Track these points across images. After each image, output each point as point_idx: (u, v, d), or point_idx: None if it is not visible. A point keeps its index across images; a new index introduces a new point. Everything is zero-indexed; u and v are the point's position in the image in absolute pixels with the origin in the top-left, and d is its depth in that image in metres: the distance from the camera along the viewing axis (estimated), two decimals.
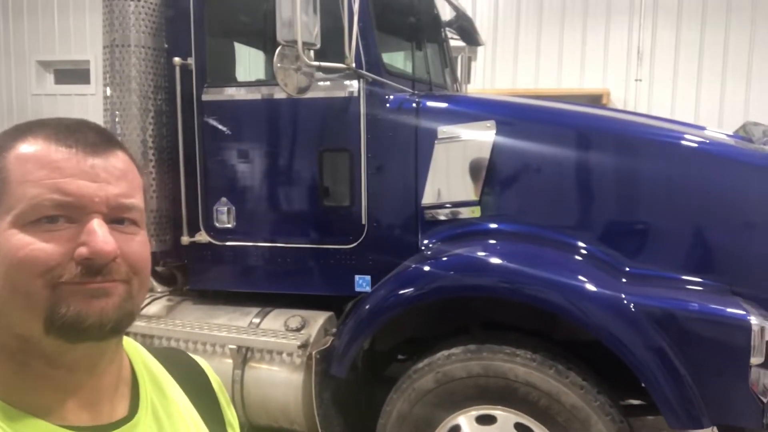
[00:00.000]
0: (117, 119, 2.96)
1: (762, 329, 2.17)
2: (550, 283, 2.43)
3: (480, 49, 5.99)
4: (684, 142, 2.67)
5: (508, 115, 2.86)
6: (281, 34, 2.44)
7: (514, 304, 2.58)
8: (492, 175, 2.74)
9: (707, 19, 6.70)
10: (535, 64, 6.92)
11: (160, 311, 3.19)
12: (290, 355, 2.81)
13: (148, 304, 3.26)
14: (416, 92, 2.94)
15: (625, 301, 2.31)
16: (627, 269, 2.52)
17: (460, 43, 4.43)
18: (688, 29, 6.74)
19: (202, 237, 3.10)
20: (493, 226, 2.77)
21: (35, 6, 7.98)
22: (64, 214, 0.67)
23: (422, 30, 3.50)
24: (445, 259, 2.68)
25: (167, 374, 0.87)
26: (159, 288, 3.26)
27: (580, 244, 2.62)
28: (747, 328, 2.16)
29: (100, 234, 0.67)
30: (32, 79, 8.04)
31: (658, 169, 2.61)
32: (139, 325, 3.09)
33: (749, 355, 2.15)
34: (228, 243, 3.09)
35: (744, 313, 2.21)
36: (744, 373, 2.17)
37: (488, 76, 6.82)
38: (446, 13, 4.15)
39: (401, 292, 2.64)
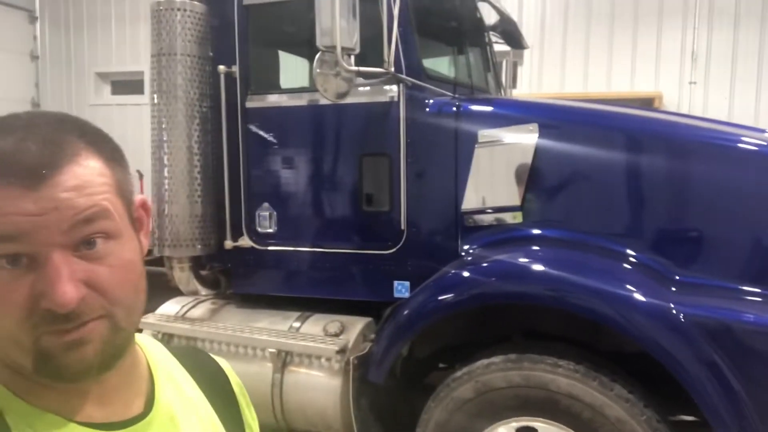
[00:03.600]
0: (163, 126, 3.04)
1: None
2: (595, 291, 2.35)
3: (527, 52, 5.90)
4: (741, 145, 2.54)
5: (551, 117, 2.79)
6: (321, 40, 2.46)
7: (557, 313, 2.51)
8: (535, 179, 2.68)
9: (766, 17, 6.40)
10: (584, 67, 6.76)
11: (204, 314, 3.25)
12: (329, 360, 2.81)
13: (193, 307, 3.33)
14: (456, 96, 2.90)
15: (674, 311, 2.21)
16: (677, 278, 2.41)
17: (506, 47, 4.37)
18: (746, 29, 6.45)
19: (245, 241, 3.14)
20: (536, 232, 2.70)
21: (94, 19, 8.34)
22: (19, 251, 0.62)
23: (464, 34, 3.47)
24: (485, 265, 2.63)
25: (186, 373, 0.86)
26: (204, 291, 3.31)
27: (627, 251, 2.52)
28: None
29: (57, 282, 0.61)
30: (91, 90, 8.40)
31: (712, 172, 2.49)
32: (182, 327, 3.16)
33: None
34: (270, 248, 3.12)
35: None
36: None
37: (535, 80, 6.70)
38: (490, 17, 4.10)
39: (440, 297, 2.60)
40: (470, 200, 2.76)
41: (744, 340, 2.12)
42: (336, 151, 3.04)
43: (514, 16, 4.33)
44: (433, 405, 2.57)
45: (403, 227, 2.86)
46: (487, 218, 2.75)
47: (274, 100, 3.14)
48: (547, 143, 2.67)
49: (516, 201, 2.70)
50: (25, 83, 7.49)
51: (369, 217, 2.95)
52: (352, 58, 2.55)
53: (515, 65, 4.87)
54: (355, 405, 2.72)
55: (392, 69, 2.62)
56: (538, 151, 2.66)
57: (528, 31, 6.26)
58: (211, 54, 3.12)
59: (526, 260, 2.60)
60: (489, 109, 2.89)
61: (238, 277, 3.26)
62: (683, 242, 2.50)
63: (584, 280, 2.41)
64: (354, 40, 2.51)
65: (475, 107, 2.86)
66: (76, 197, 0.63)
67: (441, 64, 3.44)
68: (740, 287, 2.36)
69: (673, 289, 2.35)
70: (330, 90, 2.56)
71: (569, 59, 6.81)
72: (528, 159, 2.67)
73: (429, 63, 3.18)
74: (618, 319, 2.29)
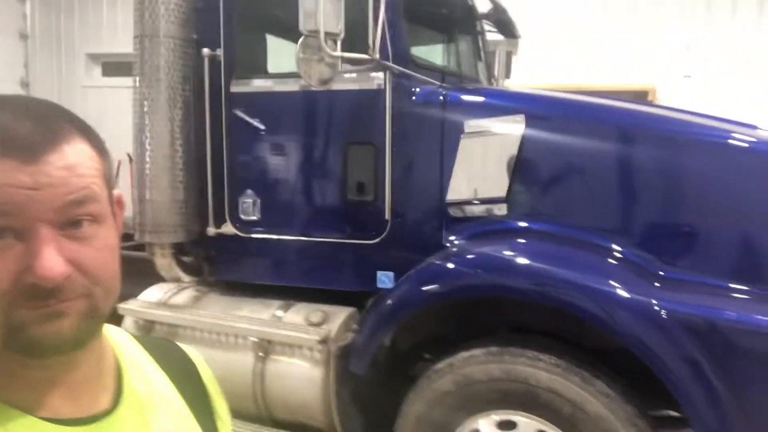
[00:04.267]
0: (145, 110, 2.98)
1: None
2: (576, 285, 2.32)
3: (521, 43, 5.83)
4: (731, 141, 2.51)
5: (539, 108, 2.75)
6: (304, 24, 2.40)
7: (542, 307, 2.48)
8: (521, 171, 2.64)
9: (763, 9, 6.34)
10: (577, 59, 6.67)
11: (186, 301, 3.21)
12: (310, 349, 2.78)
13: (176, 293, 3.29)
14: (444, 85, 2.85)
15: (656, 307, 2.18)
16: (661, 273, 2.38)
17: (499, 37, 4.30)
18: (742, 21, 6.39)
19: (228, 228, 3.10)
20: (521, 224, 2.67)
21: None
22: (7, 225, 0.61)
23: (454, 21, 3.41)
24: (469, 257, 2.59)
25: (154, 364, 0.84)
26: (186, 278, 3.27)
27: (612, 245, 2.49)
28: None
29: (44, 255, 0.61)
30: (81, 72, 8.28)
31: (701, 168, 2.46)
32: (164, 314, 3.12)
33: None
34: (253, 235, 3.08)
35: None
36: None
37: (528, 70, 6.62)
38: (483, 5, 4.03)
39: (423, 288, 2.58)
40: (455, 191, 2.72)
41: (726, 338, 2.10)
42: (321, 139, 2.99)
43: (512, 6, 4.26)
44: (414, 397, 2.55)
45: (387, 217, 2.82)
46: (472, 209, 2.71)
47: (259, 84, 3.08)
48: (534, 134, 2.63)
49: (501, 193, 2.66)
50: (15, 63, 7.37)
51: (353, 206, 2.91)
52: (338, 43, 2.49)
53: (509, 55, 4.79)
54: (337, 396, 2.70)
55: (377, 55, 2.56)
56: (524, 143, 2.62)
57: (523, 21, 6.19)
58: (195, 37, 3.05)
59: (510, 253, 2.57)
60: (476, 98, 2.84)
61: (221, 265, 3.22)
62: (669, 238, 2.47)
63: (566, 274, 2.38)
64: (339, 25, 2.45)
65: (462, 96, 2.81)
66: (69, 176, 0.64)
67: (430, 52, 3.39)
68: (726, 284, 2.33)
69: (657, 284, 2.33)
70: (313, 76, 2.51)
71: (563, 50, 6.73)
72: (514, 150, 2.62)
73: (418, 51, 3.12)
74: (598, 314, 2.26)
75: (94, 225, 0.67)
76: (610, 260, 2.46)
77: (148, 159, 2.99)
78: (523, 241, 2.63)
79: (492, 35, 4.19)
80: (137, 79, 3.01)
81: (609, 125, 2.66)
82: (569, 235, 2.58)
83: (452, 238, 2.75)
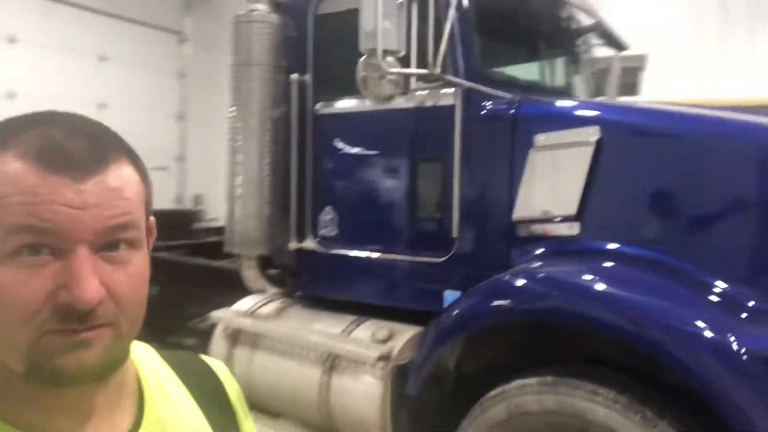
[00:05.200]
0: (238, 132, 3.24)
1: None
2: (648, 320, 2.05)
3: (653, 56, 5.40)
4: None
5: (616, 118, 2.54)
6: (364, 44, 2.46)
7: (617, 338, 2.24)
8: (594, 187, 2.44)
9: None
10: (716, 71, 6.03)
11: (271, 312, 3.37)
12: (372, 366, 2.77)
13: (264, 304, 3.47)
14: (516, 98, 2.74)
15: (735, 344, 1.87)
16: (752, 303, 2.04)
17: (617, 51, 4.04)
18: None
19: (309, 244, 3.22)
20: (594, 245, 2.46)
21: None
22: (46, 243, 0.61)
23: (543, 36, 3.27)
24: (538, 276, 2.44)
25: (179, 383, 0.82)
26: (272, 289, 3.45)
27: (688, 267, 2.20)
28: None
29: (83, 276, 0.60)
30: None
31: None
32: (247, 322, 3.30)
33: None
34: (331, 251, 3.17)
35: None
36: None
37: (660, 85, 6.10)
38: (587, 20, 3.82)
39: (477, 311, 2.46)
40: (522, 208, 2.58)
41: None
42: (395, 157, 3.01)
43: (645, 20, 3.99)
44: (466, 424, 2.43)
45: (455, 235, 2.75)
46: (541, 228, 2.55)
47: (341, 106, 3.20)
48: (611, 147, 2.42)
49: (572, 210, 2.47)
50: (172, 99, 8.28)
51: (422, 223, 2.89)
52: (398, 60, 2.52)
53: (635, 71, 4.48)
54: (393, 416, 2.65)
55: (437, 70, 2.54)
56: (599, 156, 2.42)
57: (656, 36, 5.74)
58: (284, 64, 3.26)
59: (578, 276, 2.36)
60: (548, 111, 2.69)
61: (302, 278, 3.35)
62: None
63: (639, 305, 2.13)
64: (399, 43, 2.48)
65: (533, 109, 2.67)
66: (114, 199, 0.64)
67: (514, 67, 3.27)
68: None
69: (744, 315, 2.00)
70: (375, 94, 2.56)
71: (698, 63, 6.12)
72: (586, 165, 2.44)
73: (499, 65, 3.05)
74: (673, 353, 1.98)
75: (130, 250, 0.66)
76: (684, 284, 2.17)
77: (238, 177, 3.23)
78: (595, 263, 2.41)
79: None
80: (233, 103, 3.27)
81: (700, 137, 2.36)
82: (646, 258, 2.32)
83: (520, 258, 2.60)
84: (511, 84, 2.95)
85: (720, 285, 2.13)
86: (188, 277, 4.62)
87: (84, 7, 6.93)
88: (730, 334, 1.89)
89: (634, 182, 2.42)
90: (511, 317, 2.45)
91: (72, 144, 0.63)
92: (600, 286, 2.27)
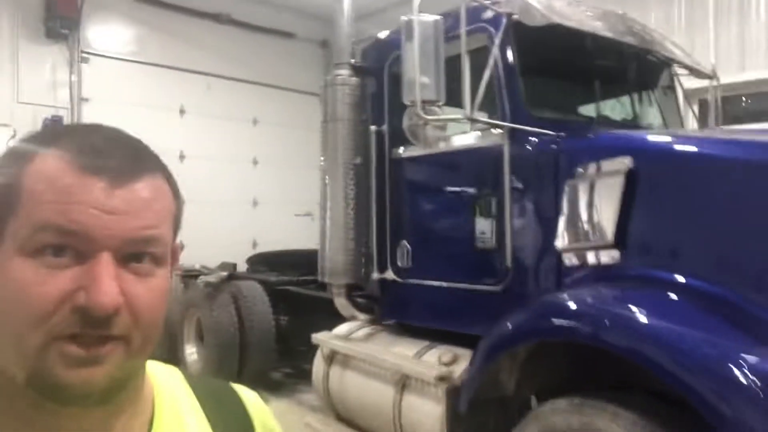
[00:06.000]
0: (327, 179, 3.75)
1: None
2: (673, 352, 2.03)
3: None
4: None
5: (649, 147, 2.58)
6: (406, 95, 2.82)
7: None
8: (629, 216, 2.50)
9: None
10: None
11: (362, 336, 3.78)
12: (435, 386, 3.01)
13: (359, 329, 3.88)
14: (560, 135, 2.88)
15: (746, 370, 1.84)
16: None
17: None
18: None
19: (389, 274, 3.59)
20: (633, 272, 2.49)
21: None
22: (71, 244, 0.60)
23: (594, 74, 3.36)
24: (567, 303, 2.53)
25: (198, 410, 0.79)
26: (361, 316, 3.84)
27: (723, 293, 2.16)
28: None
29: (104, 280, 0.60)
30: None
31: None
32: (339, 344, 3.73)
33: None
34: (406, 281, 3.50)
35: None
36: None
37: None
38: (672, 52, 3.77)
39: (517, 331, 2.61)
40: (563, 237, 2.70)
41: None
42: (457, 193, 3.28)
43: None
44: None
45: (509, 265, 2.93)
46: (581, 257, 2.65)
47: (413, 151, 3.56)
48: (643, 175, 2.47)
49: (610, 238, 2.54)
50: (249, 144, 8.58)
51: (482, 255, 3.10)
52: (439, 108, 2.83)
53: (738, 99, 4.27)
54: None
55: (470, 113, 2.79)
56: (630, 186, 2.48)
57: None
58: (363, 117, 3.72)
59: (603, 304, 2.41)
60: (586, 143, 2.79)
61: (384, 306, 3.71)
62: None
63: (663, 335, 2.12)
64: (437, 93, 2.79)
65: (574, 143, 2.80)
66: (145, 209, 0.64)
67: (573, 102, 3.38)
68: None
69: None
70: (420, 139, 2.88)
71: None
72: (618, 193, 2.50)
73: (550, 105, 3.21)
74: (708, 400, 1.92)
75: (153, 266, 0.65)
76: (718, 311, 2.14)
77: (327, 217, 3.72)
78: (632, 291, 2.45)
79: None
80: (322, 154, 3.80)
81: (734, 163, 2.33)
82: (684, 285, 2.32)
83: (566, 286, 2.71)
84: (563, 121, 3.09)
85: (749, 307, 2.08)
86: (311, 308, 5.20)
87: (239, 80, 8.18)
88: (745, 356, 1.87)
89: (668, 209, 2.44)
90: (547, 338, 2.56)
91: (111, 151, 0.64)
92: (629, 318, 2.28)
